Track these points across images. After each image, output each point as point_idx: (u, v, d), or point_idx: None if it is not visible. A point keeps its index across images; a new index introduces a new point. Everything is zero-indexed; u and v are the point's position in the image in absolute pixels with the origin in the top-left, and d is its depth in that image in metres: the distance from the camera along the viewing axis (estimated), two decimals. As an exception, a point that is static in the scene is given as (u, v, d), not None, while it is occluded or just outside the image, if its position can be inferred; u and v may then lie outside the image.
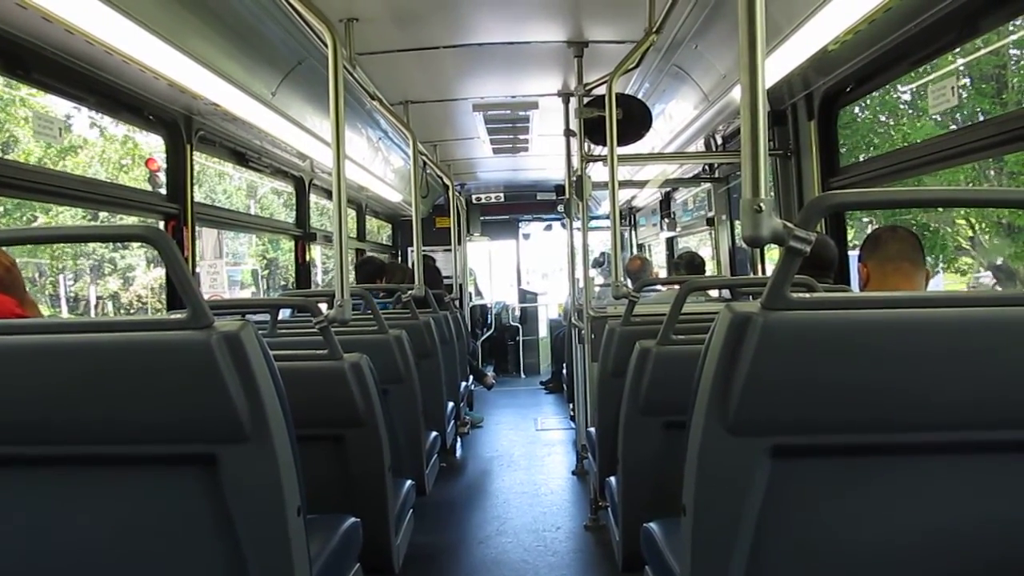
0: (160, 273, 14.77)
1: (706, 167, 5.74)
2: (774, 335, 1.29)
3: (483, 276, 11.42)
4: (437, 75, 4.80)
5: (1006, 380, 1.32)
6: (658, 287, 5.04)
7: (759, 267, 4.82)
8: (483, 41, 4.13)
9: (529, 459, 5.96)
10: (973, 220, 9.81)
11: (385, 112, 4.63)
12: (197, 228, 3.86)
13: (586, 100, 4.20)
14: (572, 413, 5.90)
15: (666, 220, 7.76)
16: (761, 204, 1.26)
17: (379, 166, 6.38)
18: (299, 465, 1.59)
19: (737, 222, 5.39)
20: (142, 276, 17.41)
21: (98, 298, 17.09)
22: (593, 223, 9.54)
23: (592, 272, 5.74)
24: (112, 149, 14.12)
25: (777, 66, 3.16)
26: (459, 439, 6.09)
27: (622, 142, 3.88)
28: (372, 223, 9.00)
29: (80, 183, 3.25)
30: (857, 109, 9.02)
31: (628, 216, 10.16)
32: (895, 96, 9.14)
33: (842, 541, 1.41)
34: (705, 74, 4.05)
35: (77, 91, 3.02)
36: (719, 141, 5.02)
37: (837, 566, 1.42)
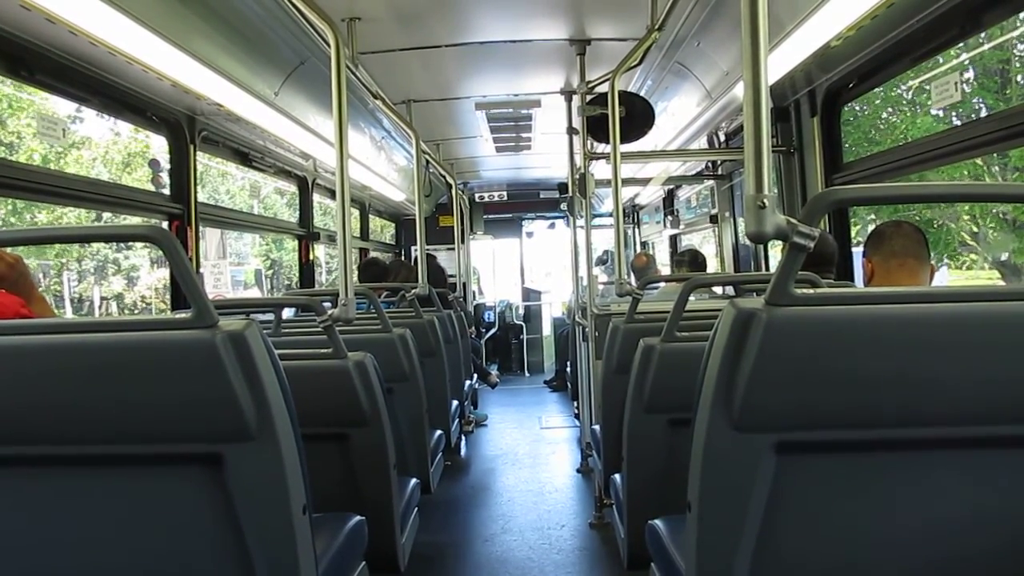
0: (164, 274, 14.80)
1: (709, 164, 5.74)
2: (778, 331, 1.28)
3: (487, 275, 11.42)
4: (439, 74, 4.80)
5: (1011, 375, 1.31)
6: (660, 284, 5.03)
7: (763, 264, 4.82)
8: (485, 40, 4.13)
9: (533, 457, 5.96)
10: (977, 215, 9.78)
11: (388, 111, 4.64)
12: (201, 228, 3.87)
13: (589, 98, 4.20)
14: (576, 411, 5.89)
15: (669, 217, 7.76)
16: (765, 200, 1.26)
17: (382, 165, 6.38)
18: (304, 464, 1.59)
19: (740, 219, 5.39)
20: (146, 276, 17.42)
21: (102, 299, 17.10)
22: (596, 221, 9.53)
23: (595, 270, 5.73)
24: (116, 150, 14.13)
25: (780, 62, 3.15)
26: (463, 437, 6.09)
27: (625, 140, 3.87)
28: (376, 222, 9.01)
29: (84, 184, 3.26)
30: (857, 106, 8.99)
31: (631, 214, 10.15)
32: (896, 92, 9.12)
33: (847, 537, 1.41)
34: (708, 71, 4.05)
35: (81, 92, 3.03)
36: (722, 138, 5.01)
37: (842, 561, 1.42)
